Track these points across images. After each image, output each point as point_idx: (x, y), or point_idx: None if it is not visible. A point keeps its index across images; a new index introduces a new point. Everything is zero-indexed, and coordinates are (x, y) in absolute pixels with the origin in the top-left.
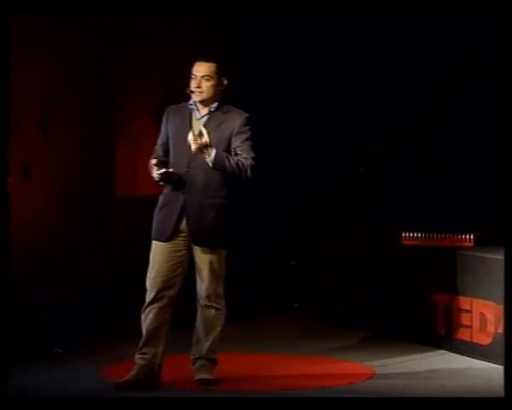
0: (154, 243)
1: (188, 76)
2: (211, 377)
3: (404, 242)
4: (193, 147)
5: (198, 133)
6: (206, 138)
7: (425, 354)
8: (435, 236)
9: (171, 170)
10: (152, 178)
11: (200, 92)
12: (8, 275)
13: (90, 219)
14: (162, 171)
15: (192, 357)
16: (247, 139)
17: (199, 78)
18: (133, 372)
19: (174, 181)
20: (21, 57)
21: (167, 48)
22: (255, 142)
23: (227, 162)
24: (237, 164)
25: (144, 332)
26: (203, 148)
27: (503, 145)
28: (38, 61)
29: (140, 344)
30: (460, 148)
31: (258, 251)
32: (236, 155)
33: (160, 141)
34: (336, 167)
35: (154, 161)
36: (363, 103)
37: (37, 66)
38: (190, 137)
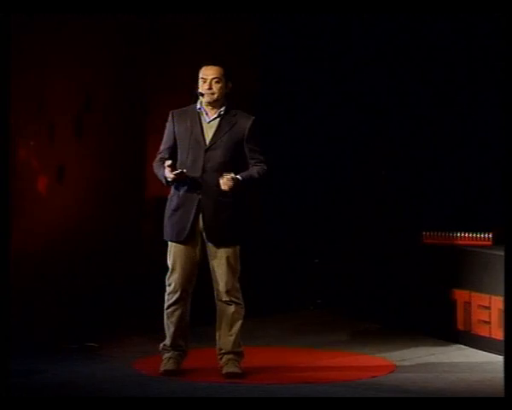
0: (171, 244)
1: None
2: (238, 371)
3: (425, 240)
4: (226, 188)
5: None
6: (232, 175)
7: (444, 349)
8: (455, 234)
9: (185, 171)
10: (156, 179)
11: (212, 94)
12: (8, 275)
13: (123, 219)
14: (178, 171)
15: (218, 352)
16: (256, 143)
17: (209, 80)
18: (172, 362)
19: (188, 183)
20: (55, 63)
21: (199, 50)
22: (262, 144)
23: (252, 181)
24: (258, 175)
25: (174, 329)
26: (233, 186)
27: (504, 145)
28: (72, 66)
29: (171, 339)
30: (480, 147)
31: (283, 249)
32: (251, 159)
33: (165, 144)
34: (359, 169)
35: (168, 163)
36: (385, 107)
37: (71, 70)
38: (222, 181)
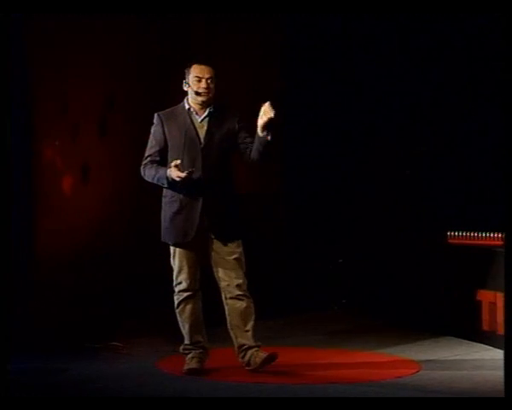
0: (174, 247)
1: (239, 81)
2: (267, 355)
3: (450, 240)
4: (271, 114)
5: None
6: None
7: (470, 350)
8: (480, 234)
9: (193, 169)
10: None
11: (207, 93)
12: (9, 275)
13: (146, 219)
14: (190, 170)
15: (239, 350)
16: (248, 130)
17: (205, 79)
18: (195, 361)
19: (188, 184)
20: (79, 63)
21: (221, 50)
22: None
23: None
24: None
25: (188, 325)
26: (269, 123)
27: (504, 145)
28: (96, 66)
29: (189, 336)
30: (504, 147)
31: (307, 249)
32: (250, 143)
33: (155, 147)
34: (383, 169)
35: (176, 162)
36: (410, 107)
37: (95, 70)
38: (266, 106)
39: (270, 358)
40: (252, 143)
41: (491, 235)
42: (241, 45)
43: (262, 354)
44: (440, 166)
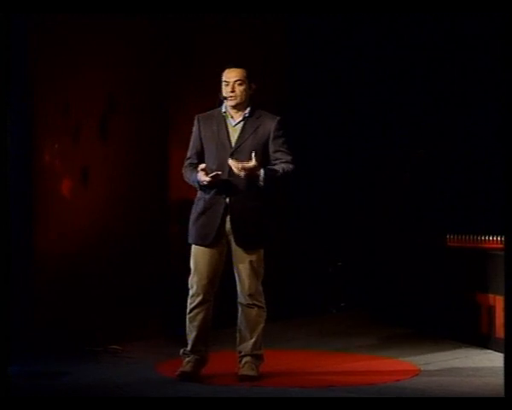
0: (195, 247)
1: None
2: (252, 373)
3: (449, 243)
4: (242, 174)
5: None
6: (253, 163)
7: (469, 353)
8: (479, 237)
9: (219, 173)
10: (187, 184)
11: (235, 97)
12: (8, 277)
13: (146, 221)
14: (214, 174)
15: (238, 355)
16: (283, 143)
17: (232, 83)
18: (190, 365)
19: (215, 187)
20: (80, 65)
21: (224, 53)
22: (290, 143)
23: (276, 176)
24: (283, 172)
25: (195, 333)
26: (252, 173)
27: (503, 148)
28: (97, 68)
29: (192, 344)
30: (504, 150)
31: (306, 253)
32: (276, 159)
33: (193, 149)
34: (382, 172)
35: (202, 166)
36: (409, 109)
37: (96, 72)
38: (232, 163)
39: (249, 378)
40: (280, 159)
41: (491, 238)
42: (244, 47)
43: (247, 370)
44: (440, 169)
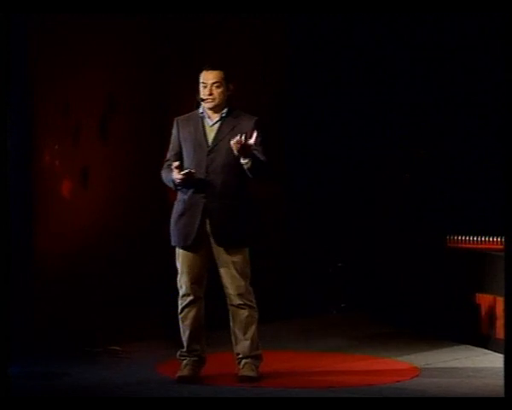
0: (178, 249)
1: (241, 82)
2: (252, 374)
3: (449, 244)
4: (235, 150)
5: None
6: (253, 140)
7: (469, 354)
8: (479, 238)
9: (193, 170)
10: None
11: (213, 99)
12: (8, 275)
13: (146, 221)
14: (186, 171)
15: (236, 357)
16: (259, 143)
17: (209, 85)
18: (188, 368)
19: (192, 187)
20: (80, 65)
21: (224, 52)
22: (266, 146)
23: (263, 163)
24: (266, 164)
25: (188, 332)
26: (248, 151)
27: (503, 149)
28: (96, 68)
29: (187, 343)
30: (504, 151)
31: (306, 252)
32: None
33: (172, 151)
34: (382, 172)
35: (175, 164)
36: (409, 109)
37: (96, 72)
38: (233, 141)
39: (250, 379)
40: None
41: (491, 239)
42: (244, 47)
43: (246, 371)
44: (440, 169)
